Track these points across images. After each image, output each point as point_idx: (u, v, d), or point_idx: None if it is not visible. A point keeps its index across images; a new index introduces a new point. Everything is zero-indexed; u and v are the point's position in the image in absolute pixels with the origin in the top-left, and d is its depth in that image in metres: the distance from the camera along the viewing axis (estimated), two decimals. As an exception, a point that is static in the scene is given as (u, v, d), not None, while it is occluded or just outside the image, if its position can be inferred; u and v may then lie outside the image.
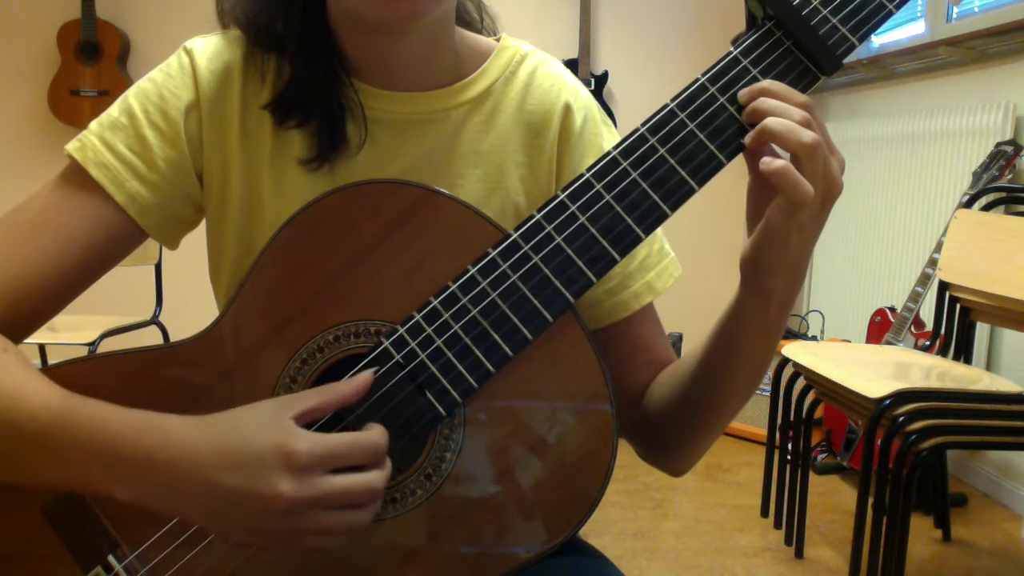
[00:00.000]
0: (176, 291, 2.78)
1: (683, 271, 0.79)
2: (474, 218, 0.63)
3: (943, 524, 2.24)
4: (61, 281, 0.67)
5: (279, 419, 0.57)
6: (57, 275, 0.67)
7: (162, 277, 2.70)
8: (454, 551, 0.62)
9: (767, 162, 0.57)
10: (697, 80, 0.61)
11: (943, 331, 2.17)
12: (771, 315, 0.63)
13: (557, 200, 0.61)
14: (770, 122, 0.57)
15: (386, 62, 0.71)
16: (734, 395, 0.68)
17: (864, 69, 3.13)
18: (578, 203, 0.61)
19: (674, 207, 0.61)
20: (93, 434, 0.57)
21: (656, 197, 0.61)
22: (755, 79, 0.61)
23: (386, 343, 0.61)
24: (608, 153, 0.61)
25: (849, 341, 2.90)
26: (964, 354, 2.15)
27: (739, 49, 0.62)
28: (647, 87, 3.61)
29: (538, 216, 0.61)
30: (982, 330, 2.42)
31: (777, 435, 2.22)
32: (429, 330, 0.61)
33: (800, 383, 2.13)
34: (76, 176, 0.69)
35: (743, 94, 0.60)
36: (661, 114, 0.61)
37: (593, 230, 0.61)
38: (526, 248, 0.61)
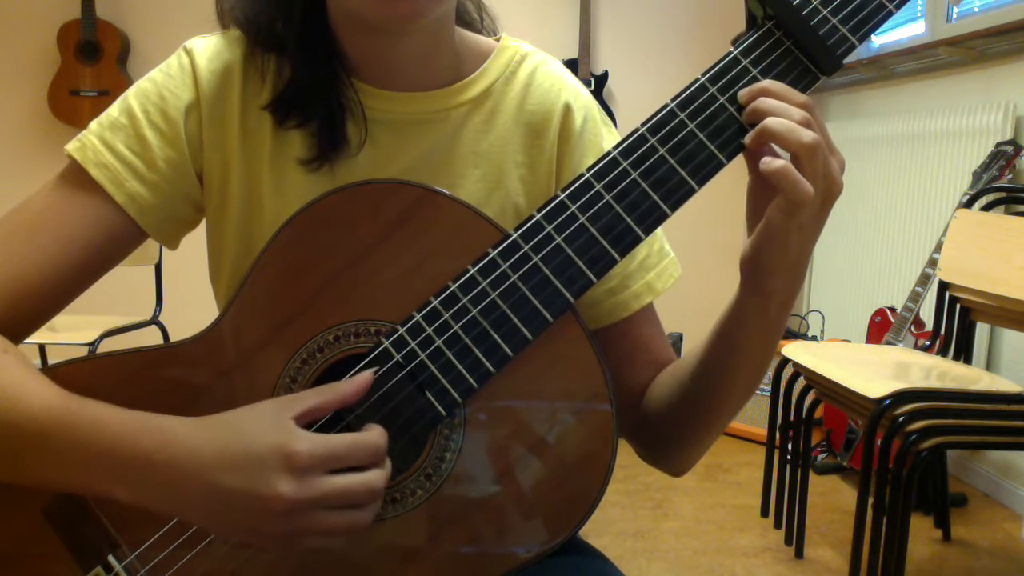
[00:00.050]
0: (176, 291, 2.78)
1: (683, 271, 0.79)
2: (474, 218, 0.63)
3: (943, 524, 2.24)
4: (61, 281, 0.67)
5: (279, 419, 0.57)
6: (57, 275, 0.67)
7: (162, 277, 2.70)
8: (454, 551, 0.62)
9: (767, 162, 0.57)
10: (697, 80, 0.61)
11: (943, 331, 2.17)
12: (771, 315, 0.63)
13: (557, 200, 0.61)
14: (770, 122, 0.57)
15: (386, 62, 0.71)
16: (734, 395, 0.68)
17: (864, 69, 3.13)
18: (578, 203, 0.61)
19: (674, 207, 0.61)
20: (93, 435, 0.57)
21: (656, 197, 0.61)
22: (755, 79, 0.60)
23: (386, 343, 0.61)
24: (608, 153, 0.61)
25: (849, 341, 2.90)
26: (964, 354, 2.15)
27: (739, 49, 0.62)
28: (647, 87, 3.61)
29: (538, 216, 0.61)
30: (982, 330, 2.42)
31: (777, 435, 2.22)
32: (429, 330, 0.61)
33: (800, 383, 2.13)
34: (76, 176, 0.69)
35: (743, 94, 0.60)
36: (661, 114, 0.61)
37: (593, 230, 0.61)
38: (526, 248, 0.61)
